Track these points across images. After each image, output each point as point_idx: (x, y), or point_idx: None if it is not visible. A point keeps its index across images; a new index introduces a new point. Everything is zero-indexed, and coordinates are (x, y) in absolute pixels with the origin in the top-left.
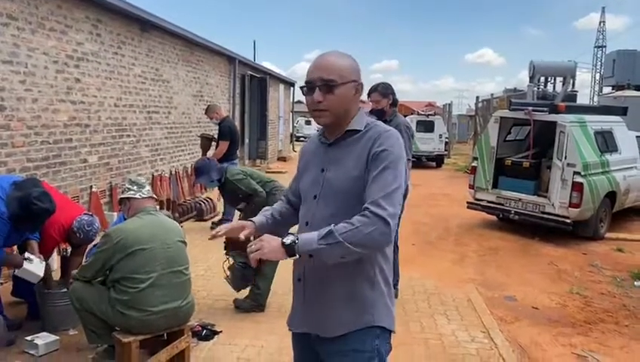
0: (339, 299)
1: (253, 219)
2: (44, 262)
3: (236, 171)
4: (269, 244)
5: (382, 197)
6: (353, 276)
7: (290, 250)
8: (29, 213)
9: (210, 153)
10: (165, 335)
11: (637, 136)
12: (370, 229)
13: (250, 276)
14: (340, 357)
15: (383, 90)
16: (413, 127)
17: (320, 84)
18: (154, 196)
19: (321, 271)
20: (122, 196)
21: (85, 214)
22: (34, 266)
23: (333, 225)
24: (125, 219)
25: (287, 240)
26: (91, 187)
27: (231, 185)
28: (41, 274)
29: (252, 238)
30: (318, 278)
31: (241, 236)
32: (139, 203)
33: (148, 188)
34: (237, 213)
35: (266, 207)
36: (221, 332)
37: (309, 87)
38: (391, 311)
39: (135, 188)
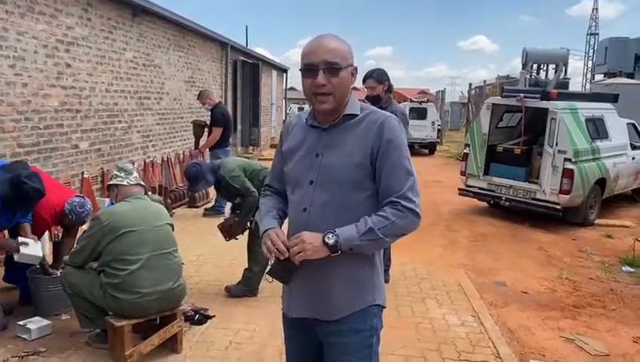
0: (341, 283)
1: (273, 225)
2: (39, 242)
3: (230, 168)
4: (312, 246)
5: (408, 190)
6: (355, 259)
7: (333, 249)
8: (20, 193)
9: (202, 140)
10: (158, 319)
11: (627, 123)
12: (405, 222)
13: (292, 268)
14: (341, 337)
15: (379, 77)
16: (406, 114)
17: (324, 67)
18: (142, 183)
19: (322, 257)
20: (110, 183)
21: (77, 196)
22: (31, 248)
23: (369, 218)
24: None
25: (330, 240)
26: (83, 173)
27: (225, 182)
28: (41, 254)
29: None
30: (319, 263)
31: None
32: (127, 189)
33: (136, 174)
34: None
35: (264, 209)
36: (214, 316)
37: (310, 70)
38: (384, 287)
39: (123, 174)
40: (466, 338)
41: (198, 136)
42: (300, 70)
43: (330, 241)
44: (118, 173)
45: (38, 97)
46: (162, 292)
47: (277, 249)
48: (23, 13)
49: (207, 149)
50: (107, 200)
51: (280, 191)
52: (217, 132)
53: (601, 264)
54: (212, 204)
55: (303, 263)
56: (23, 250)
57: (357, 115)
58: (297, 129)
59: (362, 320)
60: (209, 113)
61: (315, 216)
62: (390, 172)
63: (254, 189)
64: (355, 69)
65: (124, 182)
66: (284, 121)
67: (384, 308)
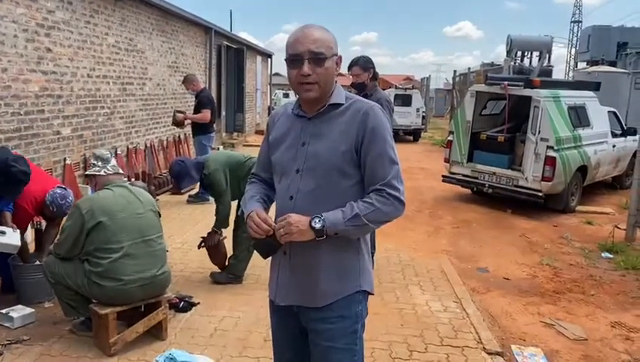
0: (327, 269)
1: (255, 207)
2: (17, 231)
3: (214, 168)
4: (298, 229)
5: (393, 178)
6: (340, 245)
7: (319, 233)
8: (8, 176)
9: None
10: (143, 307)
11: (609, 112)
12: (389, 209)
13: (275, 244)
14: (326, 324)
15: (364, 64)
16: (391, 100)
17: (309, 57)
18: (120, 171)
19: (308, 242)
20: (87, 173)
21: (58, 187)
22: (8, 238)
23: (355, 204)
24: None
25: (317, 224)
26: (65, 159)
27: (208, 181)
28: (18, 243)
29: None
30: (305, 250)
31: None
32: (104, 179)
33: (113, 162)
34: None
35: (248, 194)
36: (199, 303)
37: (295, 60)
38: (371, 273)
39: (100, 163)
40: (448, 323)
41: (179, 124)
42: (285, 60)
43: (317, 226)
44: (95, 163)
45: (19, 82)
46: (146, 279)
47: (262, 229)
48: None
49: (192, 135)
50: (89, 187)
51: (265, 180)
52: (207, 112)
53: (581, 250)
54: (196, 190)
55: (287, 244)
56: (0, 239)
57: (342, 105)
58: (283, 119)
59: (347, 306)
60: (194, 99)
61: (302, 203)
62: (375, 160)
63: (229, 199)
64: (340, 58)
65: (102, 172)
66: (269, 107)
67: (371, 293)
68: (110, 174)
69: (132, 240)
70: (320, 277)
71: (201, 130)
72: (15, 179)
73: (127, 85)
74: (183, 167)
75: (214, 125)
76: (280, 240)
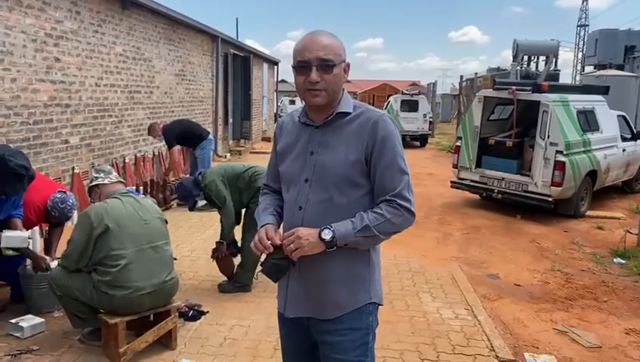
0: (337, 281)
1: (269, 221)
2: (24, 229)
3: (211, 178)
4: (308, 242)
5: (403, 188)
6: (350, 257)
7: (329, 245)
8: (6, 171)
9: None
10: (152, 316)
11: (618, 115)
12: (400, 220)
13: (285, 266)
14: (337, 336)
15: None
16: (398, 106)
17: (317, 64)
18: (122, 180)
19: (318, 254)
20: (91, 185)
21: (58, 191)
22: (15, 231)
23: (365, 215)
24: None
25: (327, 236)
26: (73, 168)
27: (206, 191)
28: (27, 234)
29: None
30: (315, 262)
31: (277, 241)
32: (108, 188)
33: (115, 173)
34: None
35: (262, 206)
36: (208, 312)
37: (303, 67)
38: (381, 284)
39: (102, 175)
40: (460, 331)
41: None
42: (293, 67)
43: (327, 237)
44: (97, 175)
45: (27, 92)
46: (155, 285)
47: (263, 246)
48: (11, 7)
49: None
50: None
51: (277, 190)
52: (173, 150)
53: (593, 256)
54: (204, 201)
55: (296, 262)
56: (5, 232)
57: (350, 113)
58: (290, 127)
59: (358, 318)
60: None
61: (311, 214)
62: (385, 171)
63: (230, 200)
64: (348, 64)
65: (106, 181)
66: (275, 114)
67: (380, 305)
68: (114, 182)
69: (139, 247)
70: (330, 289)
71: (192, 146)
72: (14, 173)
73: (135, 93)
74: (183, 189)
75: (201, 131)
76: (291, 256)
